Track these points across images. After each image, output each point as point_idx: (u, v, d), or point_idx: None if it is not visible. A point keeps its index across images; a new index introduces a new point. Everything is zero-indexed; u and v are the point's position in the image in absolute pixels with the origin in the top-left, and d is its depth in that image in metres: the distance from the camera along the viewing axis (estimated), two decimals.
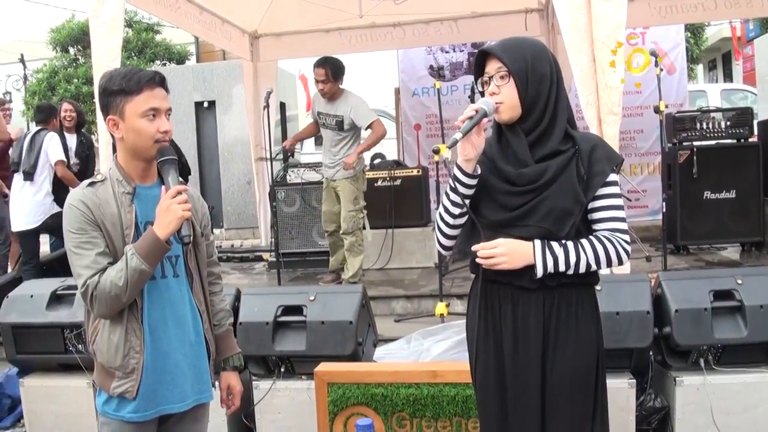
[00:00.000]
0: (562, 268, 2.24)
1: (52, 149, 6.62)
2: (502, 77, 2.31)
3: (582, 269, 2.26)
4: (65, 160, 6.81)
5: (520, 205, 2.29)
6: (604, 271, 4.53)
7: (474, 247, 2.31)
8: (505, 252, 2.26)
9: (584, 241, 2.27)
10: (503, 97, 2.31)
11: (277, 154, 6.36)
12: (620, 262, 2.31)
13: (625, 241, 2.30)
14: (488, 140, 2.43)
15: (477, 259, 2.30)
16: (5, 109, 7.81)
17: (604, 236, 2.29)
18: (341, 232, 6.44)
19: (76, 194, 2.35)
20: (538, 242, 2.25)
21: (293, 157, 6.37)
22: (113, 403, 2.35)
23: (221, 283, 2.74)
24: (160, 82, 2.34)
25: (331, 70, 6.24)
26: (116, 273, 2.22)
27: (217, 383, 2.63)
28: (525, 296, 2.32)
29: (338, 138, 6.39)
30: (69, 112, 7.37)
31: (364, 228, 6.57)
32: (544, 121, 2.32)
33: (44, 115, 6.94)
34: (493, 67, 2.33)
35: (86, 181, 2.42)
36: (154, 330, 2.34)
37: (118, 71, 2.37)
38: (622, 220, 2.33)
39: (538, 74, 2.30)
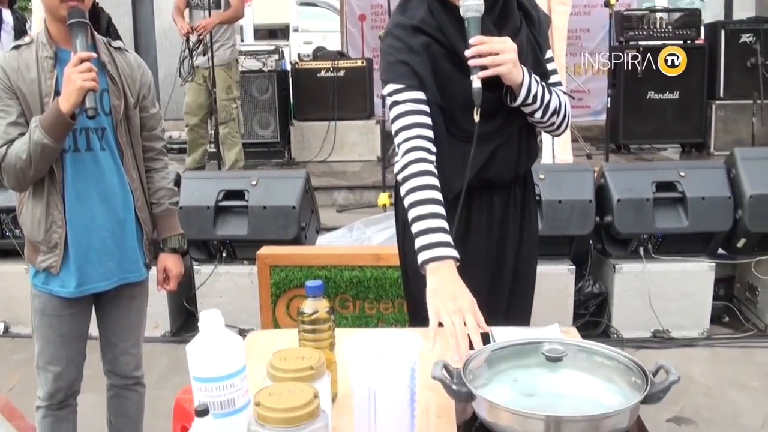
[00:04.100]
0: (539, 96, 1.87)
1: None
2: None
3: (549, 111, 1.92)
4: None
5: (499, 108, 1.90)
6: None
7: (477, 39, 1.76)
8: (513, 60, 1.79)
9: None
10: None
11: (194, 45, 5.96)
12: (566, 116, 1.99)
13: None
14: (424, 18, 1.87)
15: (473, 60, 1.75)
16: None
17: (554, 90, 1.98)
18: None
19: None
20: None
21: (198, 43, 5.92)
22: (41, 276, 2.29)
23: (164, 160, 2.56)
24: None
25: None
26: (21, 146, 2.11)
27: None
28: (499, 190, 2.02)
29: None
30: None
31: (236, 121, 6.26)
32: None
33: None
34: None
35: (12, 44, 2.26)
36: (77, 204, 2.24)
37: None
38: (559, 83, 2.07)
39: None
